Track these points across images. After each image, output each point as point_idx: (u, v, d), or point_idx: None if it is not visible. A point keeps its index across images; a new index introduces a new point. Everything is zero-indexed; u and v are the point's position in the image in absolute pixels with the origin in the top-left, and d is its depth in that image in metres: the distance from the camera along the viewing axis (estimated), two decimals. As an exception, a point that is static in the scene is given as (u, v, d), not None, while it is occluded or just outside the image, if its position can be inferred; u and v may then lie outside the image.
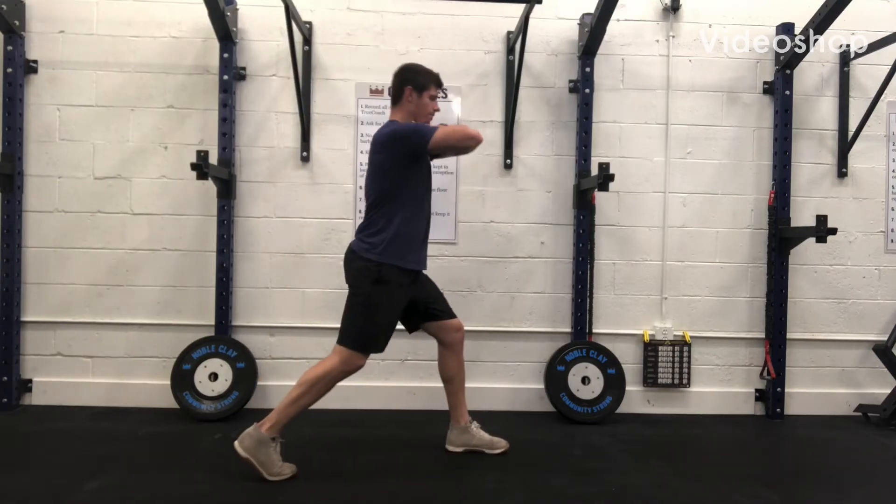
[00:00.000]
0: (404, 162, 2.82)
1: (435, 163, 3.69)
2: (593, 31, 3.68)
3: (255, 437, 2.71)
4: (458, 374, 3.15)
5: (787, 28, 3.90)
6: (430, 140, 2.76)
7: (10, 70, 3.73)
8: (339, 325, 3.89)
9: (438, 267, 3.87)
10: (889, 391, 3.87)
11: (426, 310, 3.06)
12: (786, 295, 3.93)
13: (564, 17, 3.96)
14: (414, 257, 2.91)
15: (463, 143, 2.84)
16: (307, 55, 3.89)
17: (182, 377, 3.66)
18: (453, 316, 3.13)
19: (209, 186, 3.78)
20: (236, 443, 2.72)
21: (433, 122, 2.99)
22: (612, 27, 3.76)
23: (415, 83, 2.94)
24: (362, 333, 2.81)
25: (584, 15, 3.88)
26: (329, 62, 3.93)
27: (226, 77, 3.77)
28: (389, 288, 2.82)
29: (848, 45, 4.00)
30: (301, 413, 2.79)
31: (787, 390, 3.95)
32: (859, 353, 4.04)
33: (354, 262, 2.85)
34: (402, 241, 2.83)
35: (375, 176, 2.88)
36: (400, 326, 3.03)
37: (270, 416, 2.76)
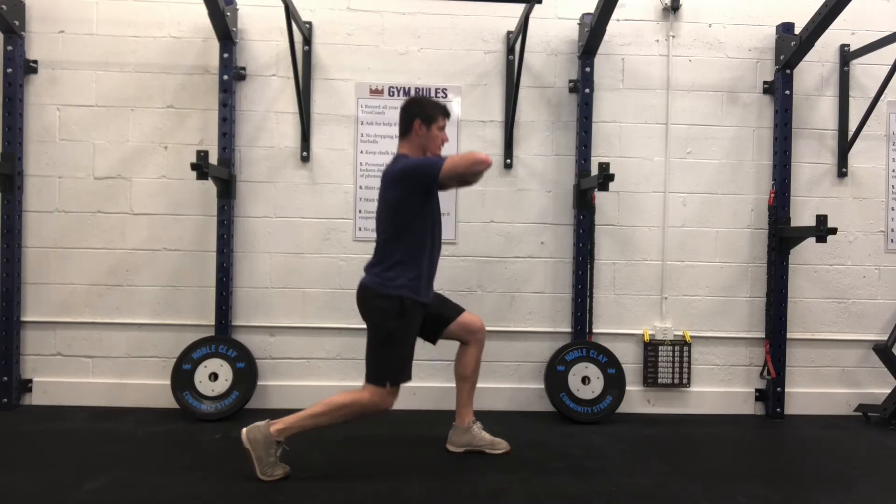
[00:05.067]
0: (416, 196, 2.82)
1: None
2: (593, 31, 3.68)
3: (263, 434, 2.72)
4: (474, 373, 3.17)
5: (787, 28, 3.90)
6: (440, 171, 2.75)
7: (10, 70, 3.73)
8: (339, 326, 3.91)
9: (438, 267, 3.86)
10: (889, 391, 3.87)
11: (439, 320, 3.05)
12: (786, 295, 3.93)
13: (564, 17, 3.96)
14: (428, 291, 2.93)
15: (473, 169, 2.79)
16: (307, 55, 3.88)
17: (182, 377, 3.66)
18: (464, 310, 3.14)
19: (209, 186, 3.78)
20: (244, 430, 2.72)
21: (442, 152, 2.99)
22: (612, 27, 3.76)
23: (423, 116, 2.92)
24: (388, 368, 2.81)
25: (584, 15, 3.88)
26: (329, 62, 3.93)
27: (226, 77, 3.77)
28: (410, 321, 2.84)
29: (848, 45, 4.01)
30: (314, 430, 2.79)
31: (787, 390, 3.95)
32: (859, 352, 4.04)
33: (372, 298, 2.84)
34: (417, 274, 2.84)
35: (388, 212, 2.87)
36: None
37: (285, 419, 2.76)
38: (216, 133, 3.81)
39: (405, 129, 2.96)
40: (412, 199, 2.82)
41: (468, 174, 2.84)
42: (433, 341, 3.15)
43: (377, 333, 2.83)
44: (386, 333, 2.80)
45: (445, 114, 2.99)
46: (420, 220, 2.84)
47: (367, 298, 2.86)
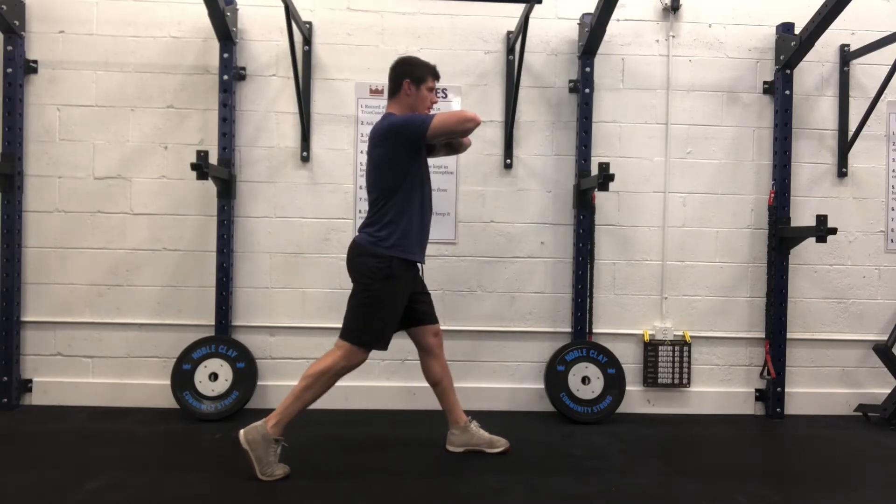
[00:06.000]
0: (404, 153, 2.82)
1: (435, 162, 3.71)
2: (593, 31, 3.68)
3: (262, 434, 2.72)
4: (445, 376, 3.14)
5: (787, 28, 3.90)
6: (429, 126, 2.75)
7: (10, 70, 3.73)
8: (339, 326, 3.90)
9: (438, 267, 3.87)
10: (889, 391, 3.87)
11: (413, 308, 3.02)
12: (786, 295, 3.93)
13: (564, 17, 3.96)
14: (418, 250, 2.92)
15: (462, 126, 2.80)
16: (307, 55, 3.89)
17: (182, 377, 3.66)
18: (435, 321, 3.12)
19: (209, 186, 3.78)
20: (241, 432, 2.72)
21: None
22: (612, 27, 3.77)
23: (412, 76, 2.93)
24: (367, 329, 2.81)
25: (584, 15, 3.88)
26: (329, 62, 3.93)
27: (226, 77, 3.77)
28: (397, 283, 2.83)
29: (848, 45, 4.01)
30: (304, 409, 2.80)
31: (787, 390, 3.95)
32: (859, 352, 4.04)
33: (362, 256, 2.84)
34: (408, 234, 2.84)
35: (376, 170, 2.88)
36: None
37: (274, 414, 2.77)
38: (216, 133, 3.81)
39: (394, 89, 2.97)
40: (400, 157, 2.82)
41: (457, 131, 2.84)
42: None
43: (362, 293, 2.82)
44: (369, 294, 2.80)
45: (435, 75, 3.00)
46: (409, 179, 2.84)
47: (357, 255, 2.86)
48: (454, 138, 3.00)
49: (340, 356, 2.80)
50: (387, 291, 2.81)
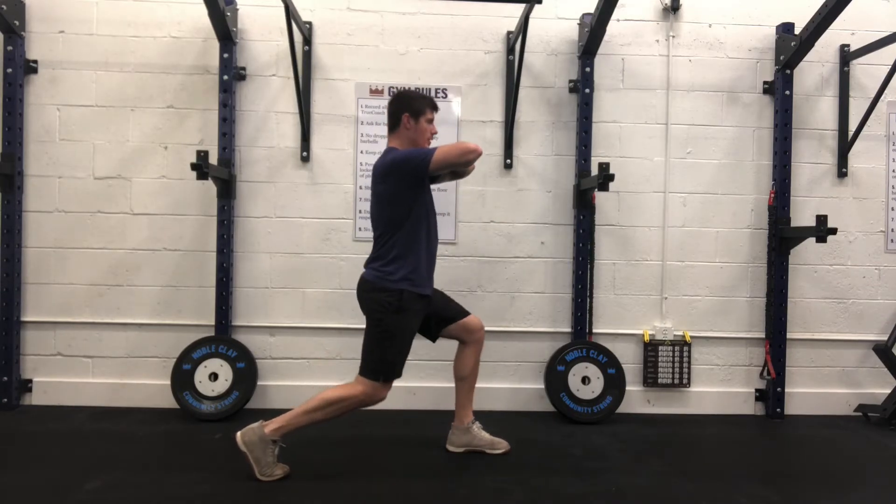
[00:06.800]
0: (407, 188, 2.82)
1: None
2: (593, 31, 3.68)
3: (258, 435, 2.72)
4: (473, 373, 3.16)
5: (787, 28, 3.90)
6: (431, 161, 2.74)
7: (10, 70, 3.73)
8: (339, 326, 3.91)
9: (438, 267, 3.83)
10: (889, 391, 3.87)
11: (439, 319, 3.06)
12: (786, 295, 3.93)
13: (564, 17, 3.97)
14: (427, 283, 2.92)
15: (464, 158, 2.79)
16: (307, 55, 3.89)
17: (182, 377, 3.66)
18: (468, 313, 3.14)
19: (209, 186, 3.78)
20: (238, 434, 2.72)
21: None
22: (612, 27, 3.77)
23: (411, 109, 2.92)
24: (384, 363, 2.81)
25: (584, 15, 3.88)
26: (329, 62, 3.93)
27: (226, 77, 3.77)
28: (408, 315, 2.83)
29: (848, 45, 4.01)
30: (309, 426, 2.79)
31: (787, 390, 3.95)
32: (859, 353, 4.04)
33: (371, 292, 2.84)
34: (417, 268, 2.84)
35: (381, 206, 2.87)
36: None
37: (279, 418, 2.76)
38: (216, 133, 3.81)
39: (394, 124, 2.96)
40: (404, 191, 2.82)
41: (459, 163, 2.84)
42: (433, 339, 3.16)
43: (375, 328, 2.83)
44: (383, 329, 2.80)
45: (433, 106, 2.99)
46: (414, 212, 2.83)
47: (367, 292, 2.86)
48: (457, 169, 3.00)
49: (361, 391, 2.79)
50: (398, 325, 2.81)
